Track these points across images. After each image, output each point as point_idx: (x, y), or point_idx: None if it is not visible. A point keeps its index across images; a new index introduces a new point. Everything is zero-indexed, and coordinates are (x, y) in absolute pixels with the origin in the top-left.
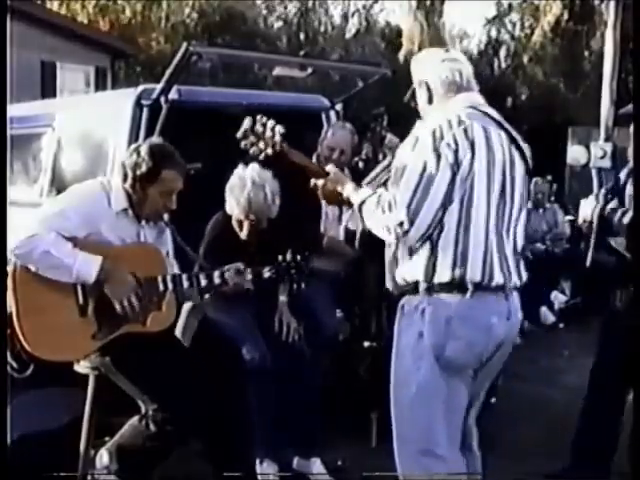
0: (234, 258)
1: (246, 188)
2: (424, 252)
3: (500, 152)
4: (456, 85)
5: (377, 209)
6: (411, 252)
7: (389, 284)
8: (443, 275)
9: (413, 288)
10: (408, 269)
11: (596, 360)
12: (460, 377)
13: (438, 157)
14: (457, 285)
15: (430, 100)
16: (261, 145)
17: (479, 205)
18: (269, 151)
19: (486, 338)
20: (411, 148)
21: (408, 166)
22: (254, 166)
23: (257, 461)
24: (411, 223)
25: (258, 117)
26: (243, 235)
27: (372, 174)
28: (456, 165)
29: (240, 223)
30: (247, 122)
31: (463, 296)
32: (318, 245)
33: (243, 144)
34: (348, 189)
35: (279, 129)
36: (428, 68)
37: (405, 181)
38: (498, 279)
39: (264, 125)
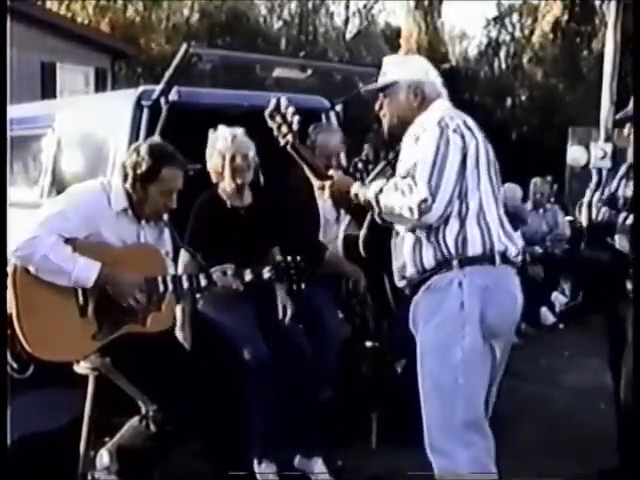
0: (224, 233)
1: (229, 135)
2: (452, 230)
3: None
4: (440, 91)
5: (396, 192)
6: (430, 235)
7: (410, 271)
8: (475, 248)
9: (441, 266)
10: (435, 249)
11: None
12: (494, 345)
13: (447, 142)
14: (487, 257)
15: (421, 102)
16: (283, 129)
17: (486, 184)
18: (289, 138)
19: (514, 304)
20: (415, 141)
21: (421, 152)
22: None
23: (255, 461)
24: (433, 199)
25: (283, 99)
26: (229, 202)
27: (374, 173)
28: (464, 149)
29: (223, 175)
30: (274, 101)
31: (493, 266)
32: (319, 259)
33: (270, 124)
34: (356, 187)
35: (297, 119)
36: (425, 71)
37: (422, 162)
38: (512, 249)
39: (287, 108)
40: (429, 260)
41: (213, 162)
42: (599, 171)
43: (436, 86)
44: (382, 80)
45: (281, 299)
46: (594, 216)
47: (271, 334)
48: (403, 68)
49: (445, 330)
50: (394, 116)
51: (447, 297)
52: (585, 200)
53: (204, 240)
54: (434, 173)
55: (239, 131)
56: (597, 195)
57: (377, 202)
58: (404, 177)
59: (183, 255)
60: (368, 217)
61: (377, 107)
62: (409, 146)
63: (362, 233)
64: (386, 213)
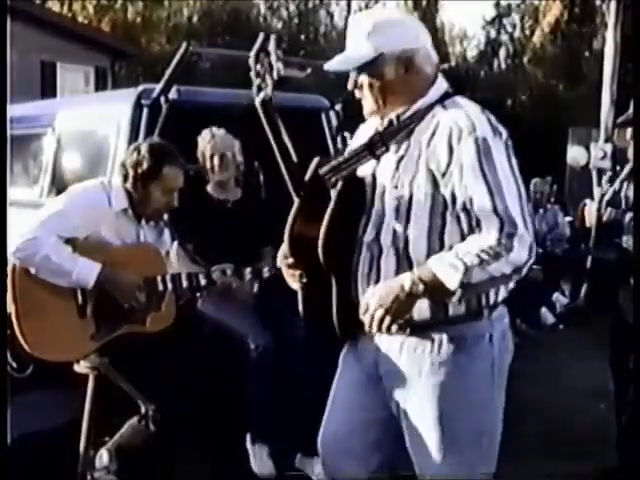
0: (208, 225)
1: (207, 135)
2: None
3: None
4: (435, 60)
5: (488, 258)
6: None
7: (421, 314)
8: (503, 292)
9: (470, 314)
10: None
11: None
12: None
13: (510, 154)
14: (505, 299)
15: (415, 77)
16: (267, 80)
17: None
18: (268, 92)
19: None
20: (447, 150)
21: (487, 175)
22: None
23: (253, 460)
24: (527, 229)
25: (273, 37)
26: (216, 195)
27: (334, 162)
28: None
29: (210, 168)
30: (261, 38)
31: (504, 308)
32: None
33: (252, 66)
34: (411, 279)
35: (282, 66)
36: (416, 34)
37: (501, 191)
38: None
39: (276, 51)
40: (457, 304)
41: (199, 160)
42: (599, 171)
43: (430, 53)
44: (358, 54)
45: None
46: (604, 217)
47: (271, 331)
48: (388, 34)
49: (476, 393)
50: (380, 99)
51: (481, 354)
52: (595, 201)
53: (190, 231)
54: (523, 204)
55: (219, 131)
56: (607, 195)
57: (466, 289)
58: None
59: (178, 251)
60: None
61: (351, 86)
62: (445, 148)
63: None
64: (476, 290)
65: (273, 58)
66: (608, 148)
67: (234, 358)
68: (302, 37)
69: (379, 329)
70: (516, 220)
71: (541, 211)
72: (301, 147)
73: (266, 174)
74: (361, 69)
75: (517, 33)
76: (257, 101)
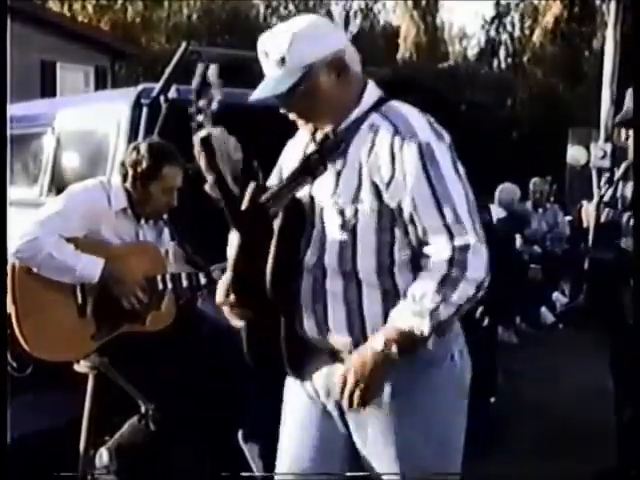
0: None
1: (209, 130)
2: None
3: None
4: (357, 57)
5: (450, 296)
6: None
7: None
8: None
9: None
10: None
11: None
12: None
13: (455, 160)
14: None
15: (345, 80)
16: (208, 114)
17: None
18: (209, 128)
19: None
20: (389, 161)
21: (433, 184)
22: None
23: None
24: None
25: (213, 67)
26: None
27: (273, 191)
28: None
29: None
30: (199, 72)
31: (458, 325)
32: None
33: (195, 105)
34: (381, 342)
35: (219, 98)
36: (337, 33)
37: (450, 202)
38: None
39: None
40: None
41: (197, 159)
42: (599, 171)
43: (354, 50)
44: (286, 73)
45: None
46: (601, 217)
47: None
48: (311, 42)
49: (439, 419)
50: (317, 113)
51: (447, 377)
52: (594, 201)
53: (189, 230)
54: (472, 210)
55: (215, 130)
56: (605, 196)
57: (436, 320)
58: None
59: (177, 251)
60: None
61: (284, 109)
62: (366, 165)
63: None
64: (448, 323)
65: (215, 91)
66: (608, 147)
67: (234, 358)
68: None
69: (363, 405)
70: (466, 229)
71: (541, 210)
72: None
73: (266, 173)
74: (293, 88)
75: (517, 33)
76: (197, 139)
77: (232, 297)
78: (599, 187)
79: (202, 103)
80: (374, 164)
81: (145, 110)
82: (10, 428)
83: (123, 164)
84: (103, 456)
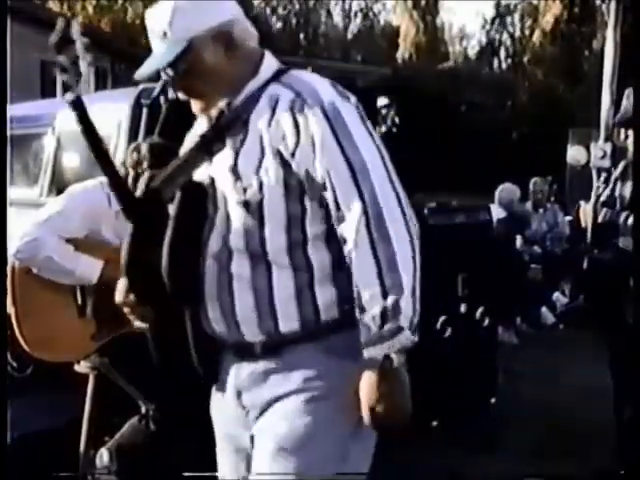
0: None
1: None
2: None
3: None
4: (253, 31)
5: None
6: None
7: (286, 326)
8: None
9: (349, 319)
10: (340, 289)
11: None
12: None
13: (364, 118)
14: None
15: (236, 53)
16: (73, 74)
17: None
18: (77, 89)
19: None
20: (293, 131)
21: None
22: None
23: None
24: None
25: (75, 22)
26: None
27: (167, 172)
28: None
29: None
30: (58, 26)
31: None
32: None
33: (57, 63)
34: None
35: (89, 58)
36: (226, 5)
37: (355, 157)
38: None
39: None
40: (329, 307)
41: None
42: (599, 171)
43: (247, 23)
44: (166, 49)
45: None
46: (599, 217)
47: None
48: (193, 14)
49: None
50: (206, 91)
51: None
52: (591, 201)
53: None
54: (390, 172)
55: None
56: (602, 196)
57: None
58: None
59: None
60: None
61: (173, 90)
62: (273, 137)
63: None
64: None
65: (79, 46)
66: (608, 147)
67: None
68: (302, 37)
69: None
70: (380, 190)
71: (541, 210)
72: None
73: None
74: (175, 64)
75: (517, 33)
76: (65, 102)
77: (131, 296)
78: (597, 187)
79: (63, 60)
80: (276, 132)
81: (145, 110)
82: (10, 428)
83: (124, 164)
84: (103, 456)
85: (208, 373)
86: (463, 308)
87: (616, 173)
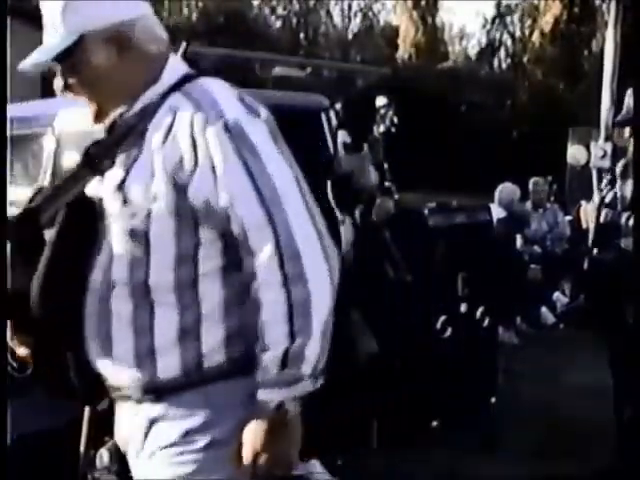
0: None
1: None
2: None
3: None
4: (160, 32)
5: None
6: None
7: (171, 372)
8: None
9: (239, 364)
10: (233, 327)
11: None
12: None
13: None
14: None
15: (137, 58)
16: None
17: None
18: None
19: None
20: (190, 148)
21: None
22: None
23: None
24: None
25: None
26: None
27: (47, 192)
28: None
29: None
30: None
31: None
32: None
33: None
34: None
35: None
36: (130, 3)
37: (264, 183)
38: None
39: None
40: (215, 351)
41: None
42: (599, 171)
43: (153, 25)
44: (53, 42)
45: None
46: (601, 218)
47: None
48: (87, 9)
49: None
50: (94, 96)
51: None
52: (595, 202)
53: None
54: (308, 202)
55: None
56: (607, 198)
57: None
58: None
59: None
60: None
61: (59, 89)
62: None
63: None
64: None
65: None
66: (608, 147)
67: None
68: (302, 37)
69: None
70: (296, 222)
71: (541, 210)
72: (301, 147)
73: None
74: (62, 60)
75: (517, 33)
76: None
77: (11, 329)
78: (600, 188)
79: None
80: (172, 152)
81: None
82: (10, 428)
83: None
84: (103, 457)
85: (90, 403)
86: (463, 308)
87: (617, 171)
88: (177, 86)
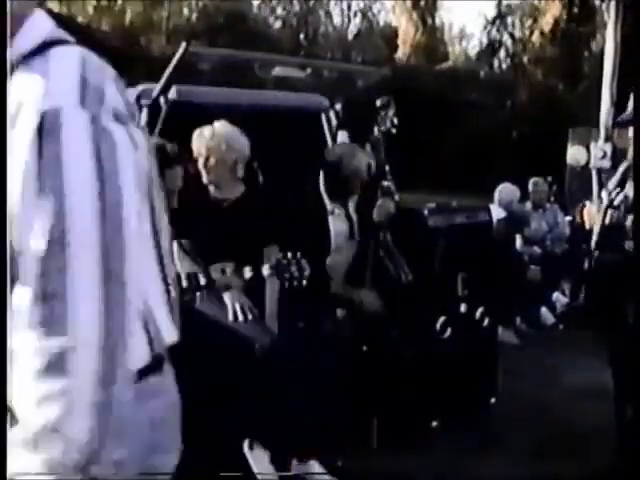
0: (202, 223)
1: (215, 129)
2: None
3: None
4: None
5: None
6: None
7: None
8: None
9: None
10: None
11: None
12: None
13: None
14: None
15: None
16: None
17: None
18: None
19: None
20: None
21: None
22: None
23: (253, 464)
24: None
25: None
26: (212, 194)
27: None
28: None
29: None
30: None
31: None
32: (322, 261)
33: None
34: None
35: None
36: None
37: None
38: None
39: None
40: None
41: (194, 154)
42: (599, 171)
43: None
44: None
45: (269, 296)
46: (607, 219)
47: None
48: None
49: None
50: None
51: None
52: (603, 204)
53: (189, 231)
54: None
55: (207, 132)
56: (616, 200)
57: None
58: None
59: (176, 251)
60: None
61: None
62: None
63: None
64: None
65: None
66: (608, 148)
67: (235, 357)
68: (302, 37)
69: None
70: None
71: (541, 211)
72: (301, 147)
73: (265, 173)
74: None
75: (517, 33)
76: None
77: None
78: (607, 190)
79: None
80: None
81: (145, 111)
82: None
83: None
84: None
85: None
86: (463, 308)
87: (619, 173)
88: (36, 52)
